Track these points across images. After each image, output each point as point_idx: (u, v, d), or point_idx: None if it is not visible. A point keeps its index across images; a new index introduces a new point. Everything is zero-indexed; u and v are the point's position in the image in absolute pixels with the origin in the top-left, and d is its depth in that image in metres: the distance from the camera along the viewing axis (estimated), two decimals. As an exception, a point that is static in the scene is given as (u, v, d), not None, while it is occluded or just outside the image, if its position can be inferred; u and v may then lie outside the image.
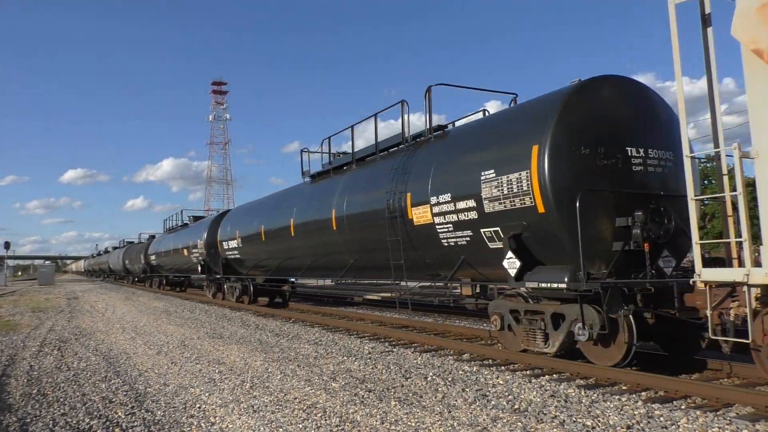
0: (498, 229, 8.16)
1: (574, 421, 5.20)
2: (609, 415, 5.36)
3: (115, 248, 61.80)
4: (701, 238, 6.22)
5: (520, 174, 7.63)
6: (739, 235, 5.87)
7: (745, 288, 5.70)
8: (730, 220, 6.09)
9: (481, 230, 8.47)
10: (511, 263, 7.90)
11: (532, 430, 5.00)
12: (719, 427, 4.91)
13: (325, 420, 5.47)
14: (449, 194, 9.00)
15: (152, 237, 39.22)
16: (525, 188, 7.57)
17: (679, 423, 5.07)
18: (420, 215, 9.75)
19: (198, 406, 6.19)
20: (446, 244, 9.36)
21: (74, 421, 5.72)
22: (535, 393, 6.31)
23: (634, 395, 6.16)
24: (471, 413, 5.56)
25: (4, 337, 12.58)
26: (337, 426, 5.27)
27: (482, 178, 8.29)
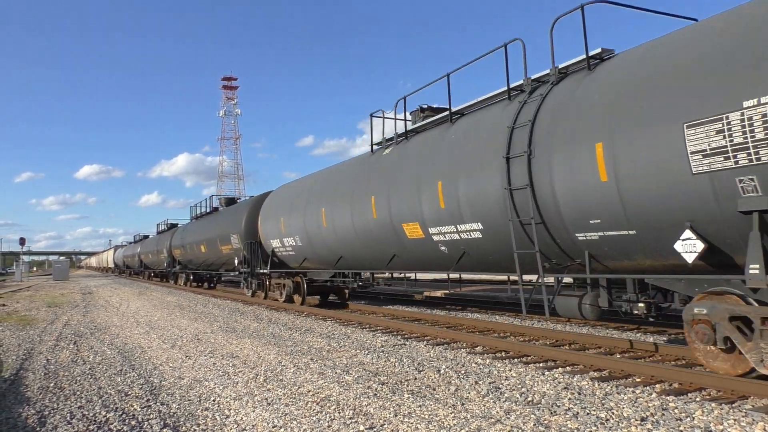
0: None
1: (588, 414, 5.19)
2: (623, 408, 5.34)
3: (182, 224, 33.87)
4: None
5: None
6: None
7: None
8: None
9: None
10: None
11: (545, 422, 4.99)
12: (734, 419, 4.87)
13: (339, 413, 5.49)
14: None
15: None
16: None
17: (693, 415, 5.04)
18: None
19: (212, 399, 6.24)
20: None
21: (91, 414, 5.79)
22: (548, 385, 6.30)
23: (648, 387, 6.13)
24: (484, 406, 5.56)
25: (21, 331, 12.75)
26: (350, 418, 5.29)
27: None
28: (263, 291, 19.15)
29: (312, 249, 15.22)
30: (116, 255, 70.23)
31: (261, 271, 18.62)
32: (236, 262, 20.47)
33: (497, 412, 5.31)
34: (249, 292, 20.37)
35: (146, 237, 49.33)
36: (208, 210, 27.78)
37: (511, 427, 4.88)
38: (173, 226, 37.55)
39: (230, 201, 25.90)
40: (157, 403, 6.13)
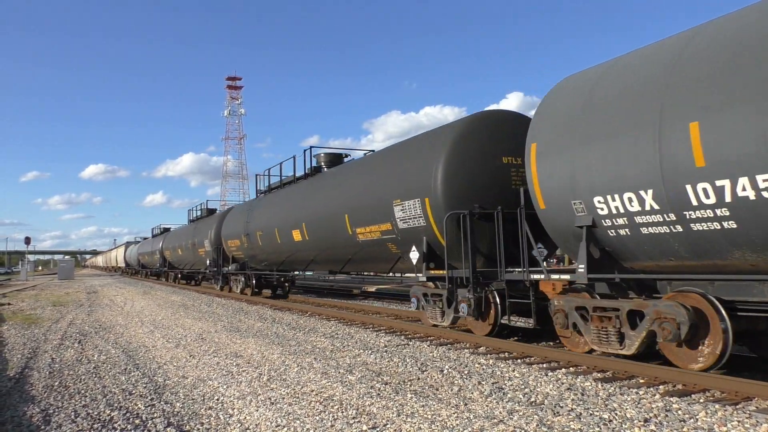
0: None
1: (591, 414, 5.18)
2: (626, 409, 5.33)
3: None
4: None
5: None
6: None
7: None
8: None
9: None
10: None
11: (548, 422, 4.99)
12: (738, 421, 4.86)
13: (342, 412, 5.50)
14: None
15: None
16: None
17: (697, 416, 5.04)
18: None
19: (216, 398, 6.26)
20: None
21: (95, 413, 5.82)
22: (551, 386, 6.30)
23: (651, 389, 6.12)
24: (487, 406, 5.56)
25: (26, 330, 12.81)
26: (353, 418, 5.30)
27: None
28: (487, 321, 9.29)
29: None
30: (128, 253, 59.05)
31: (568, 276, 7.60)
32: (414, 257, 10.36)
33: (500, 413, 5.32)
34: (444, 320, 10.10)
35: (167, 230, 41.86)
36: (302, 174, 17.29)
37: (514, 427, 4.88)
38: (212, 212, 30.69)
39: (335, 159, 16.59)
40: (161, 402, 6.15)
